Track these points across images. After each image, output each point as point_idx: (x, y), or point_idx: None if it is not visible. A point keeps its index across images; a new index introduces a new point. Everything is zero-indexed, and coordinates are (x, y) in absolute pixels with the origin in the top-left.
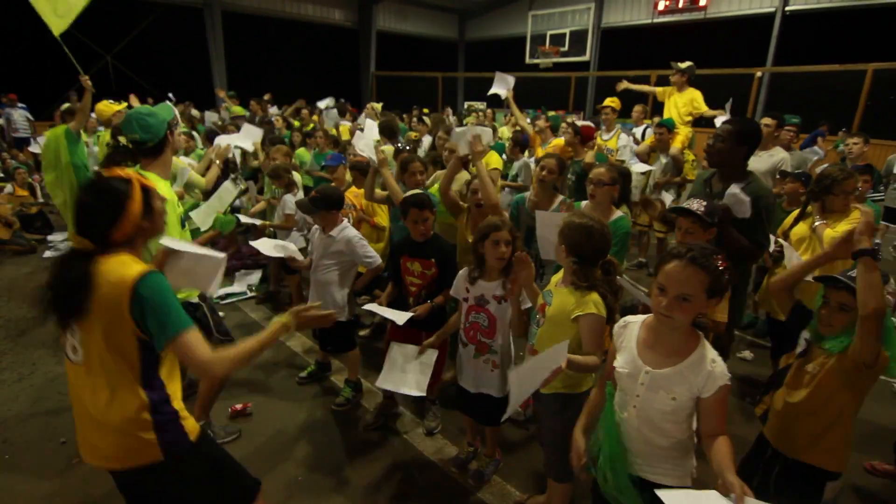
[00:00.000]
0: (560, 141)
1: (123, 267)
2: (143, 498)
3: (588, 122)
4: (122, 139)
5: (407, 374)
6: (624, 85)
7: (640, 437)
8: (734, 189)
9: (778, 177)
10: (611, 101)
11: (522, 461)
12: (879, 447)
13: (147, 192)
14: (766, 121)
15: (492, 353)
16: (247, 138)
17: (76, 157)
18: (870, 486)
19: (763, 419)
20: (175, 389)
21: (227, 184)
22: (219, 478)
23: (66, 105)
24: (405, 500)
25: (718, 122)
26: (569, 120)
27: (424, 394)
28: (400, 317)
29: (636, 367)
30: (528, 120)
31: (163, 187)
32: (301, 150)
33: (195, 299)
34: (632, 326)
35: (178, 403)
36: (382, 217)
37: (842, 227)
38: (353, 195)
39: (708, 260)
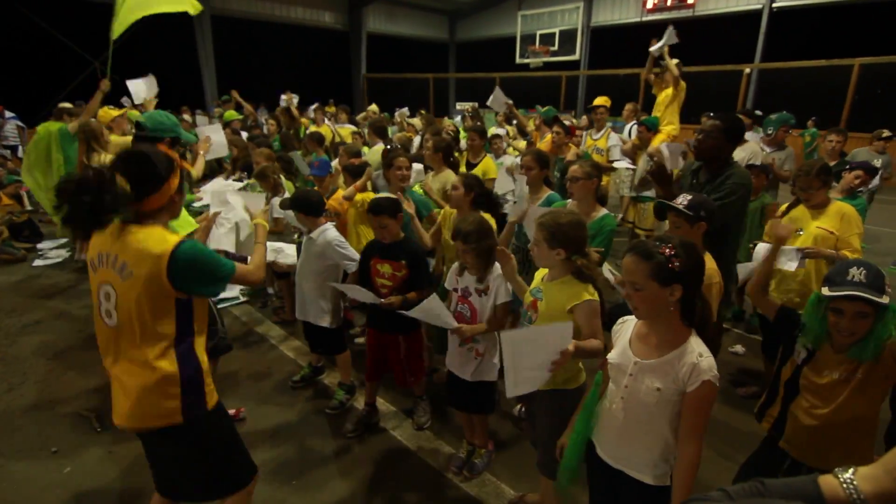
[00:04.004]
0: (548, 139)
1: (159, 240)
2: (162, 461)
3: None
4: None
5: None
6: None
7: (625, 430)
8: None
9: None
10: (602, 101)
11: (516, 460)
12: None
13: (183, 171)
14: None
15: (475, 342)
16: (219, 148)
17: (70, 155)
18: None
19: (777, 429)
20: (203, 358)
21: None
22: (227, 450)
23: (64, 104)
24: (400, 500)
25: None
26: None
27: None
28: (366, 295)
29: (626, 359)
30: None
31: None
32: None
33: None
34: (629, 323)
35: (206, 371)
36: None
37: (820, 222)
38: (337, 202)
39: (649, 249)
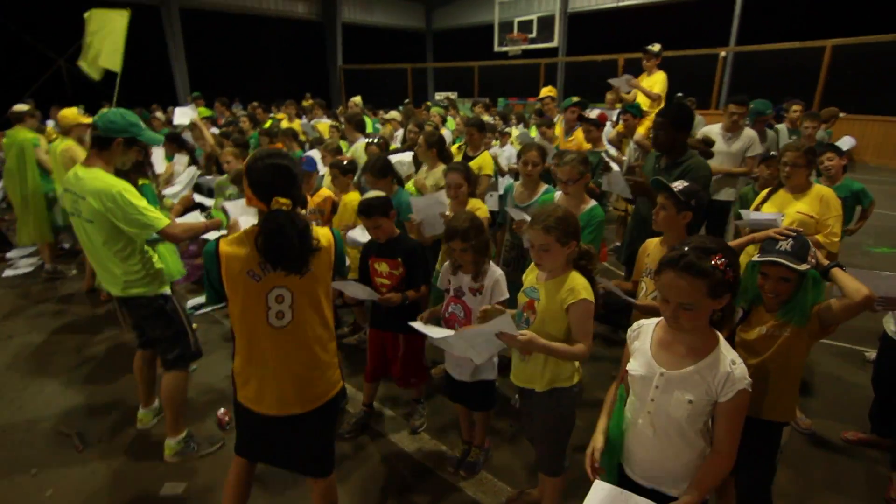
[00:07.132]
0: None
1: (319, 229)
2: (299, 441)
3: (601, 111)
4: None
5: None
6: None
7: (655, 447)
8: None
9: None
10: (548, 91)
11: (513, 458)
12: (854, 417)
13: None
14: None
15: None
16: (186, 181)
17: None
18: (846, 454)
19: None
20: None
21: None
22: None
23: (18, 107)
24: (397, 502)
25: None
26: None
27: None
28: (364, 291)
29: (651, 370)
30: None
31: (110, 178)
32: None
33: (167, 291)
34: (646, 328)
35: None
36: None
37: (800, 206)
38: (322, 199)
39: (702, 264)
